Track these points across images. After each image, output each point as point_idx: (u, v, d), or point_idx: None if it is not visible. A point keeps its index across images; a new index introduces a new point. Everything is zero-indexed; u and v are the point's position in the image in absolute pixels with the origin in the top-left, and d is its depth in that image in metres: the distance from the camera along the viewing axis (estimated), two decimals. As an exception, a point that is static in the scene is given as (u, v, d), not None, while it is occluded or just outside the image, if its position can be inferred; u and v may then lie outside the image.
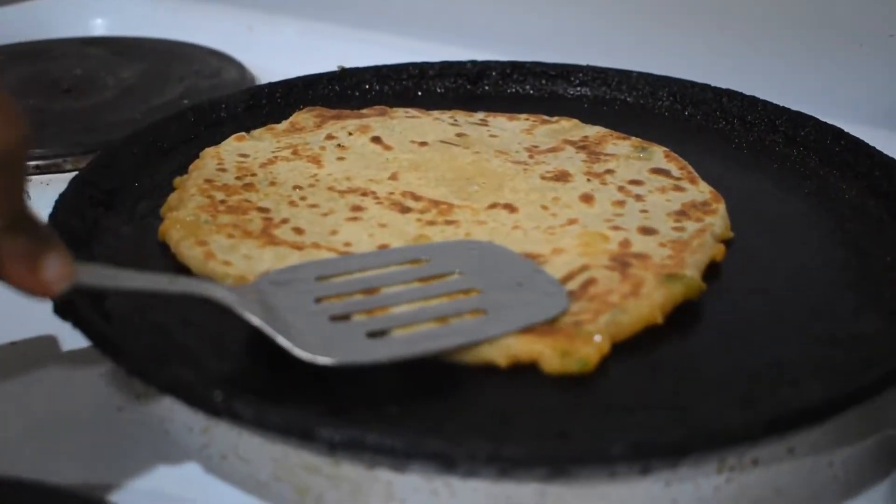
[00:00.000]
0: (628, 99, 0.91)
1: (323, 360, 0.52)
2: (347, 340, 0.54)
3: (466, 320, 0.57)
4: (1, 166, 0.43)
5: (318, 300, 0.57)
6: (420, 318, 0.57)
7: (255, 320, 0.54)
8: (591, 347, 0.56)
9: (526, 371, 0.56)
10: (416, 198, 0.72)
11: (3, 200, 0.45)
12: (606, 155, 0.79)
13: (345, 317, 0.57)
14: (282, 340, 0.53)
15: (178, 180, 0.76)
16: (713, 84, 0.89)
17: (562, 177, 0.76)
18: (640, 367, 0.58)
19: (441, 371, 0.56)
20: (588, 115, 0.87)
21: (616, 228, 0.68)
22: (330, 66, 0.91)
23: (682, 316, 0.61)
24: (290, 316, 0.55)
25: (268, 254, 0.65)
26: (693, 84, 0.90)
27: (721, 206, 0.72)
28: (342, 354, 0.53)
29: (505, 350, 0.56)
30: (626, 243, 0.66)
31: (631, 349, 0.58)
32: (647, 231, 0.68)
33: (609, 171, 0.77)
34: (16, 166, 0.44)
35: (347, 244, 0.67)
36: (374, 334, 0.56)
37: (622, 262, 0.63)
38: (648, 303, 0.60)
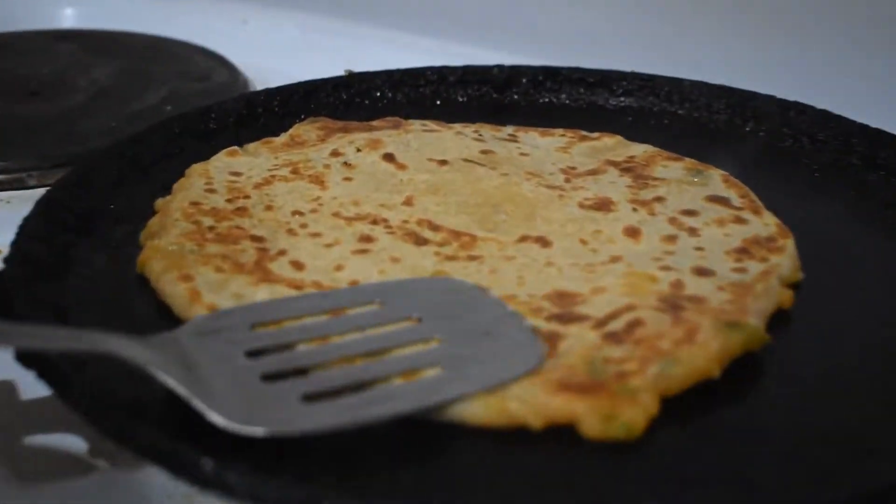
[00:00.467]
0: (680, 111, 0.91)
1: (247, 430, 0.51)
2: (278, 405, 0.53)
3: (421, 379, 0.56)
4: None
5: (249, 354, 0.56)
6: (365, 376, 0.56)
7: (169, 381, 0.52)
8: (637, 409, 0.56)
9: (562, 433, 0.56)
10: (435, 227, 0.72)
11: None
12: (655, 179, 0.79)
13: (278, 375, 0.55)
14: (197, 404, 0.52)
15: (160, 202, 0.76)
16: (779, 95, 0.89)
17: (603, 205, 0.76)
18: (694, 431, 0.57)
19: (464, 434, 0.55)
20: (633, 130, 0.87)
21: (666, 269, 0.68)
22: (336, 69, 0.92)
23: (743, 370, 0.61)
24: (215, 374, 0.54)
25: (262, 292, 0.65)
26: (755, 95, 0.90)
27: (789, 243, 0.71)
28: (270, 423, 0.51)
29: (539, 410, 0.56)
30: (677, 285, 0.66)
31: (683, 408, 0.58)
32: (702, 272, 0.67)
33: (658, 199, 0.76)
34: None
35: (354, 282, 0.67)
36: (311, 397, 0.54)
37: (674, 304, 0.63)
38: (705, 352, 0.59)
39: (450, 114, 0.90)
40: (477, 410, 0.56)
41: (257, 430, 0.51)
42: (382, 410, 0.54)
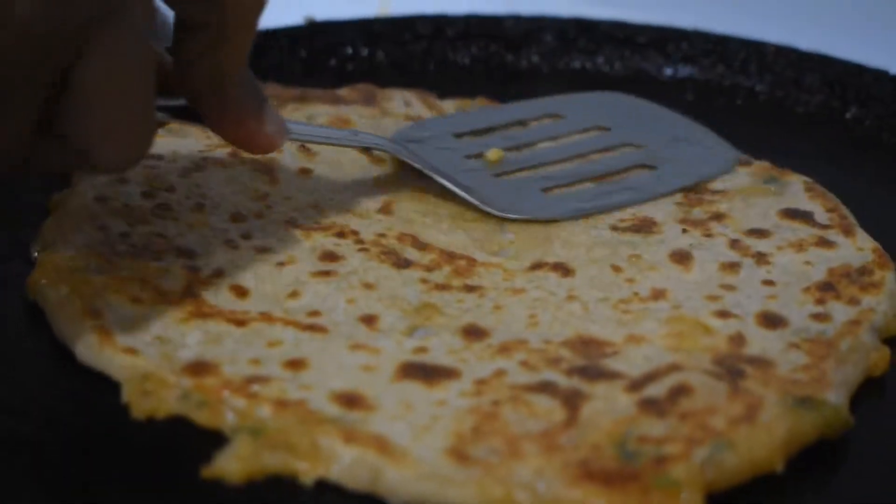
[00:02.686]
0: (758, 87, 0.95)
1: (514, 216, 0.80)
2: (525, 197, 0.82)
3: (647, 174, 0.85)
4: (244, 24, 0.66)
5: (469, 158, 0.84)
6: (588, 174, 0.85)
7: (442, 180, 0.81)
8: (674, 509, 0.60)
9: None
10: (421, 245, 0.77)
11: (241, 57, 0.67)
12: (714, 193, 0.84)
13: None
14: (473, 200, 0.80)
15: (55, 198, 0.79)
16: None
17: (644, 226, 0.80)
18: None
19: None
20: (693, 112, 0.91)
21: (723, 315, 0.72)
22: (294, 16, 0.94)
23: (812, 456, 0.65)
24: (455, 174, 0.82)
25: (194, 335, 0.68)
26: (862, 69, 0.93)
27: (889, 277, 0.75)
28: (530, 211, 0.81)
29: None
30: (738, 339, 0.70)
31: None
32: (771, 321, 0.71)
33: (717, 217, 0.81)
34: (254, 24, 0.67)
35: (314, 314, 0.71)
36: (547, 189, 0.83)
37: (732, 368, 0.67)
38: (768, 438, 0.63)
39: (447, 82, 0.93)
40: (475, 499, 0.60)
41: (523, 215, 0.80)
42: (622, 199, 0.83)
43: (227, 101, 0.69)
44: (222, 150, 0.83)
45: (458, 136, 0.87)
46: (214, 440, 0.63)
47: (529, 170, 0.86)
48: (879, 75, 0.91)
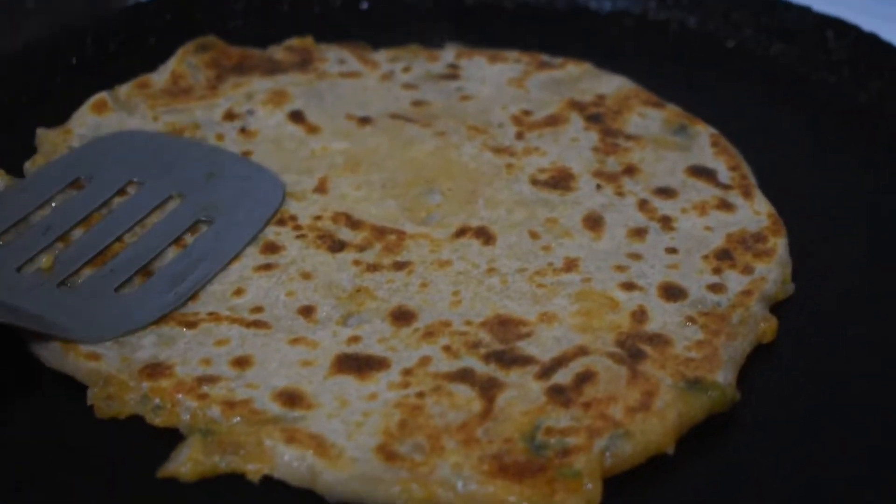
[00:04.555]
0: (690, 21, 0.99)
1: (104, 336, 0.74)
2: (106, 305, 0.76)
3: (201, 238, 0.80)
4: None
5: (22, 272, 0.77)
6: (152, 251, 0.79)
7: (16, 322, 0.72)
8: (577, 500, 0.66)
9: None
10: (354, 223, 0.82)
11: None
12: (628, 138, 0.89)
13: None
14: (54, 333, 0.73)
15: None
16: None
17: (561, 180, 0.85)
18: None
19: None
20: (620, 46, 0.96)
21: (629, 287, 0.78)
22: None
23: (702, 427, 0.72)
24: (20, 300, 0.74)
25: (149, 337, 0.75)
26: (789, 5, 0.96)
27: (780, 243, 0.81)
28: (115, 325, 0.75)
29: (467, 501, 0.66)
30: (640, 315, 0.76)
31: (629, 479, 0.69)
32: (671, 292, 0.78)
33: (629, 171, 0.86)
34: None
35: (257, 310, 0.77)
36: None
37: (633, 349, 0.74)
38: (661, 425, 0.70)
39: (381, 27, 0.97)
40: (401, 498, 0.67)
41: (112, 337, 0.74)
42: (199, 275, 0.78)
43: None
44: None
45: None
46: (172, 437, 0.71)
47: (90, 266, 0.79)
48: (804, 11, 0.96)
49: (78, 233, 0.80)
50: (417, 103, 0.91)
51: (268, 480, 0.69)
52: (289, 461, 0.68)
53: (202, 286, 0.77)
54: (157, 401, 0.71)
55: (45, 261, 0.77)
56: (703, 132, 0.90)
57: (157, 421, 0.71)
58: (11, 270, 0.77)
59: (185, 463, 0.68)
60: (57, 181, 0.83)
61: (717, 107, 0.92)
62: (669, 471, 0.70)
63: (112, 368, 0.73)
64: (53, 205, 0.82)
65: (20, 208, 0.81)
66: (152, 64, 0.94)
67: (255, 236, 0.80)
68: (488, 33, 0.99)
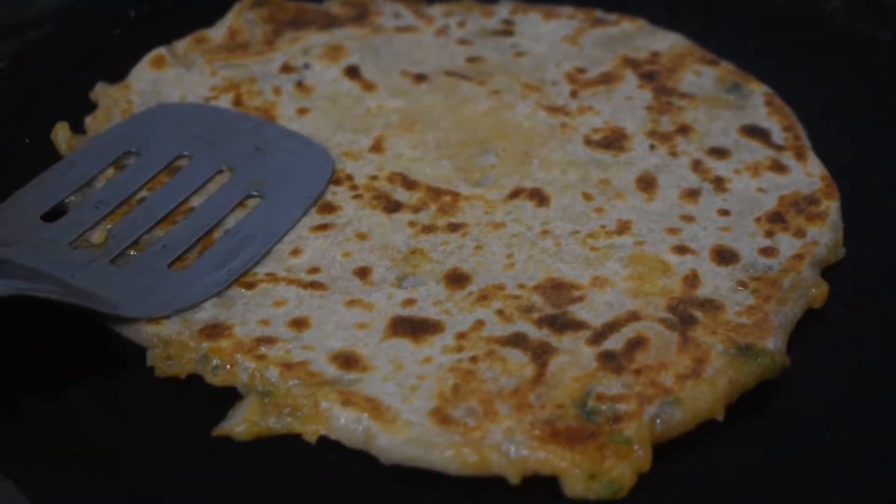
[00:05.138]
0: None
1: (157, 314, 0.75)
2: (159, 282, 0.76)
3: (252, 214, 0.81)
4: None
5: (74, 248, 0.77)
6: (203, 228, 0.80)
7: (65, 299, 0.72)
8: (627, 466, 0.68)
9: (539, 487, 0.68)
10: (409, 184, 0.83)
11: None
12: (682, 97, 0.89)
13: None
14: (106, 310, 0.73)
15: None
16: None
17: (615, 140, 0.86)
18: (687, 480, 0.69)
19: (442, 483, 0.69)
20: (676, 2, 0.97)
21: (682, 250, 0.78)
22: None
23: (751, 393, 0.72)
24: (71, 277, 0.74)
25: (209, 299, 0.76)
26: None
27: (833, 206, 0.81)
28: (169, 302, 0.75)
29: (519, 467, 0.68)
30: (692, 280, 0.77)
31: (676, 450, 0.70)
32: (723, 256, 0.78)
33: (683, 130, 0.86)
34: None
35: (314, 270, 0.78)
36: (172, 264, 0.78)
37: (684, 315, 0.74)
38: (711, 392, 0.70)
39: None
40: (454, 462, 0.68)
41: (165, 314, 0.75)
42: (251, 252, 0.78)
43: None
44: (226, 97, 0.89)
45: (45, 217, 0.80)
46: (230, 397, 0.72)
47: (142, 242, 0.80)
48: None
49: (129, 208, 0.80)
50: (472, 59, 0.92)
51: (323, 441, 0.70)
52: (345, 423, 0.69)
53: (253, 264, 0.78)
54: (216, 361, 0.72)
55: (97, 237, 0.78)
56: (757, 91, 0.90)
57: (216, 381, 0.72)
58: (65, 247, 0.77)
59: (241, 423, 0.70)
60: (106, 156, 0.83)
61: (771, 65, 0.92)
62: (719, 437, 0.71)
63: (173, 332, 0.74)
64: (103, 180, 0.82)
65: (70, 184, 0.81)
66: (209, 19, 0.94)
67: (304, 212, 0.80)
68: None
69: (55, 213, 0.79)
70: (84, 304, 0.73)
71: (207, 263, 0.78)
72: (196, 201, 0.81)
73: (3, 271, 0.73)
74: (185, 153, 0.83)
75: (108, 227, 0.79)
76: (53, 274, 0.74)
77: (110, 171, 0.82)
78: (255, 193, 0.81)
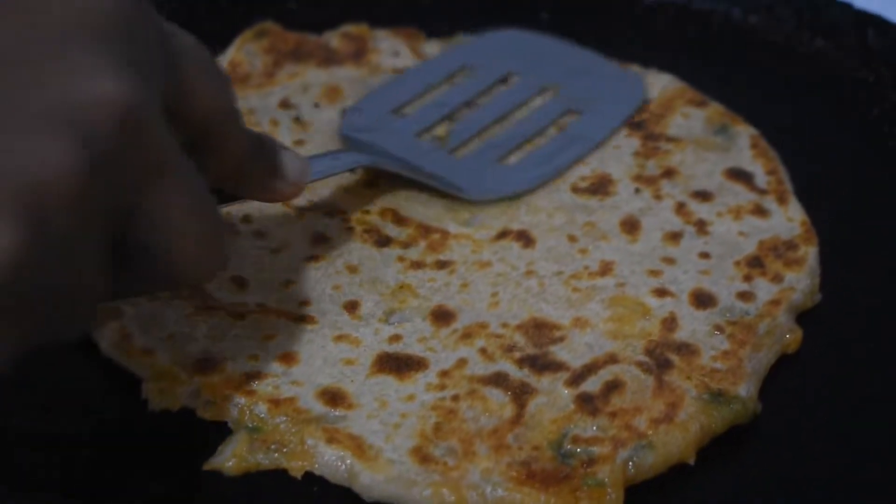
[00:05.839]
0: (734, 13, 1.01)
1: (486, 197, 0.87)
2: (489, 172, 0.90)
3: (571, 124, 0.93)
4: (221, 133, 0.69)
5: (419, 138, 0.91)
6: (529, 132, 0.93)
7: (422, 179, 0.87)
8: (599, 508, 0.71)
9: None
10: (400, 220, 0.85)
11: (237, 155, 0.70)
12: (669, 140, 0.91)
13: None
14: (447, 189, 0.87)
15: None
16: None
17: (601, 185, 0.88)
18: None
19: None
20: (663, 42, 0.99)
21: (661, 293, 0.80)
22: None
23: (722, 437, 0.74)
24: (418, 161, 0.88)
25: (201, 328, 0.78)
26: (830, 1, 0.97)
27: (811, 252, 0.83)
28: (498, 188, 0.88)
29: (496, 505, 0.71)
30: (670, 323, 0.79)
31: (648, 491, 0.72)
32: (702, 299, 0.80)
33: (668, 174, 0.89)
34: (231, 130, 0.70)
35: (304, 303, 0.80)
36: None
37: (661, 359, 0.76)
38: (683, 437, 0.73)
39: (439, 15, 1.01)
40: (433, 501, 0.70)
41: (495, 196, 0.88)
42: (572, 155, 0.91)
43: (246, 185, 0.73)
44: None
45: (396, 111, 0.93)
46: (221, 430, 0.74)
47: (477, 139, 0.92)
48: (845, 7, 0.97)
49: (467, 111, 0.94)
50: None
51: (309, 476, 0.72)
52: (329, 461, 0.71)
53: (572, 163, 0.90)
54: (207, 397, 0.74)
55: (440, 130, 0.91)
56: (744, 132, 0.92)
57: (207, 415, 0.74)
58: (413, 136, 0.91)
59: (231, 458, 0.72)
60: (446, 68, 0.97)
61: (757, 102, 0.94)
62: (689, 479, 0.73)
63: (166, 362, 0.76)
64: (444, 89, 0.95)
65: (419, 86, 0.95)
66: (210, 46, 0.96)
67: (618, 127, 0.93)
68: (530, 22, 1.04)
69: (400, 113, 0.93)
70: (429, 183, 0.87)
71: (534, 159, 0.90)
72: (523, 112, 0.94)
73: (361, 149, 0.87)
74: (516, 70, 0.97)
75: (450, 124, 0.92)
76: (403, 157, 0.88)
77: (453, 80, 0.97)
78: (575, 109, 0.94)
